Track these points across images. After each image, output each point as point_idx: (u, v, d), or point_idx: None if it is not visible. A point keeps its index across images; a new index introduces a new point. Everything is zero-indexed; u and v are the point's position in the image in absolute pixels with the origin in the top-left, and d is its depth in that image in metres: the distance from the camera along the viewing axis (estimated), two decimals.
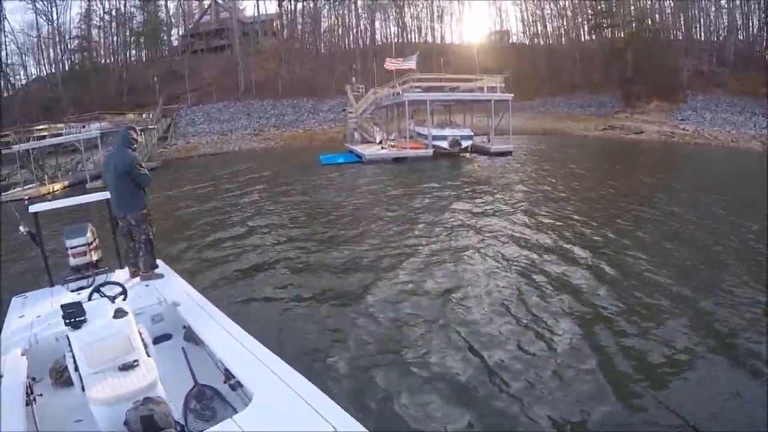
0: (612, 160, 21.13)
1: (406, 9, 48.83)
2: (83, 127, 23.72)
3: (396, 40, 45.44)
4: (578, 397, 3.64)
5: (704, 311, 5.03)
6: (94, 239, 4.39)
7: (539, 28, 50.49)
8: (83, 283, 4.15)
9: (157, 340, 3.42)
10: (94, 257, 4.34)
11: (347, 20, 48.17)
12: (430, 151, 20.66)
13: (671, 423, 3.34)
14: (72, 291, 4.02)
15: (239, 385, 2.71)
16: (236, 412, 2.30)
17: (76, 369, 2.57)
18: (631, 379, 3.88)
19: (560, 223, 8.83)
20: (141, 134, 25.36)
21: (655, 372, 3.97)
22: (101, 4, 44.69)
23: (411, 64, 23.63)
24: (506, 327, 4.79)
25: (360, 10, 47.39)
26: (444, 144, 21.32)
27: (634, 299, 5.36)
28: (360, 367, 4.15)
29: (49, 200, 4.63)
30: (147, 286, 4.11)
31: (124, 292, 3.41)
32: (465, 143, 21.73)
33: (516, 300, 5.41)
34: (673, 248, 7.22)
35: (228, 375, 2.85)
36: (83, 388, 2.51)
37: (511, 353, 4.29)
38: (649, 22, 41.65)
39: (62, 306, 2.68)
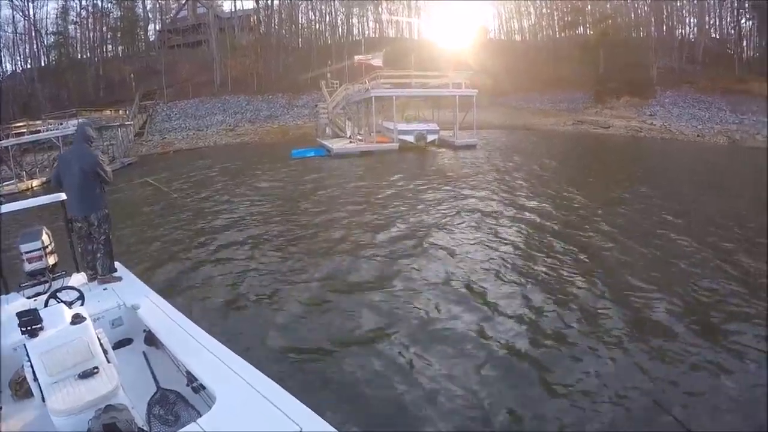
0: (566, 152, 21.95)
1: (383, 5, 48.98)
2: (61, 123, 23.78)
3: (373, 35, 45.65)
4: None
5: None
6: (50, 243, 4.20)
7: (516, 25, 51.09)
8: (39, 288, 3.98)
9: (117, 345, 3.35)
10: (50, 261, 4.14)
11: (324, 16, 48.21)
12: (395, 145, 21.20)
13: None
14: (28, 297, 3.84)
15: (202, 387, 2.67)
16: (200, 416, 2.24)
17: (35, 379, 2.47)
18: None
19: (496, 198, 11.14)
20: (118, 130, 24.90)
21: None
22: None
23: (378, 62, 24.01)
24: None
25: (337, 4, 47.48)
26: (410, 138, 21.88)
27: None
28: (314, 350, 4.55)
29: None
30: (105, 289, 3.97)
31: (82, 297, 3.35)
32: (431, 137, 22.30)
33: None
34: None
35: (190, 378, 2.80)
36: (43, 399, 2.41)
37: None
38: (621, 19, 42.35)
39: (17, 314, 2.58)
